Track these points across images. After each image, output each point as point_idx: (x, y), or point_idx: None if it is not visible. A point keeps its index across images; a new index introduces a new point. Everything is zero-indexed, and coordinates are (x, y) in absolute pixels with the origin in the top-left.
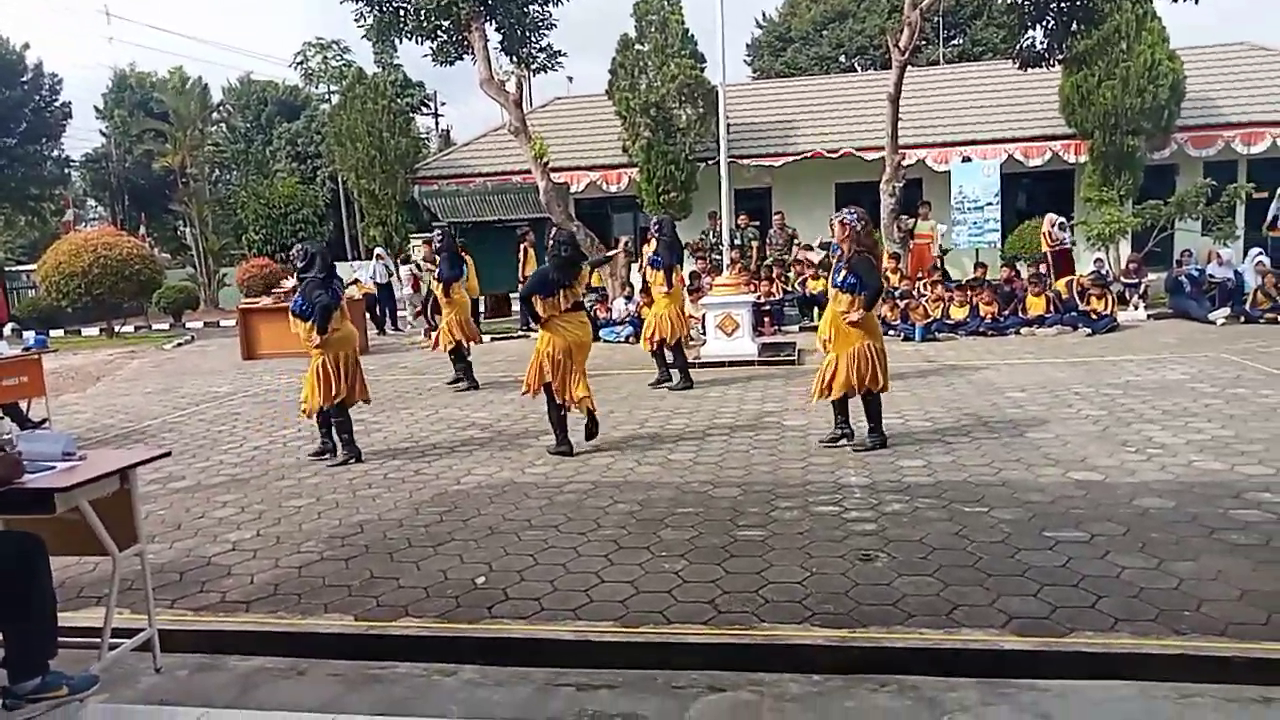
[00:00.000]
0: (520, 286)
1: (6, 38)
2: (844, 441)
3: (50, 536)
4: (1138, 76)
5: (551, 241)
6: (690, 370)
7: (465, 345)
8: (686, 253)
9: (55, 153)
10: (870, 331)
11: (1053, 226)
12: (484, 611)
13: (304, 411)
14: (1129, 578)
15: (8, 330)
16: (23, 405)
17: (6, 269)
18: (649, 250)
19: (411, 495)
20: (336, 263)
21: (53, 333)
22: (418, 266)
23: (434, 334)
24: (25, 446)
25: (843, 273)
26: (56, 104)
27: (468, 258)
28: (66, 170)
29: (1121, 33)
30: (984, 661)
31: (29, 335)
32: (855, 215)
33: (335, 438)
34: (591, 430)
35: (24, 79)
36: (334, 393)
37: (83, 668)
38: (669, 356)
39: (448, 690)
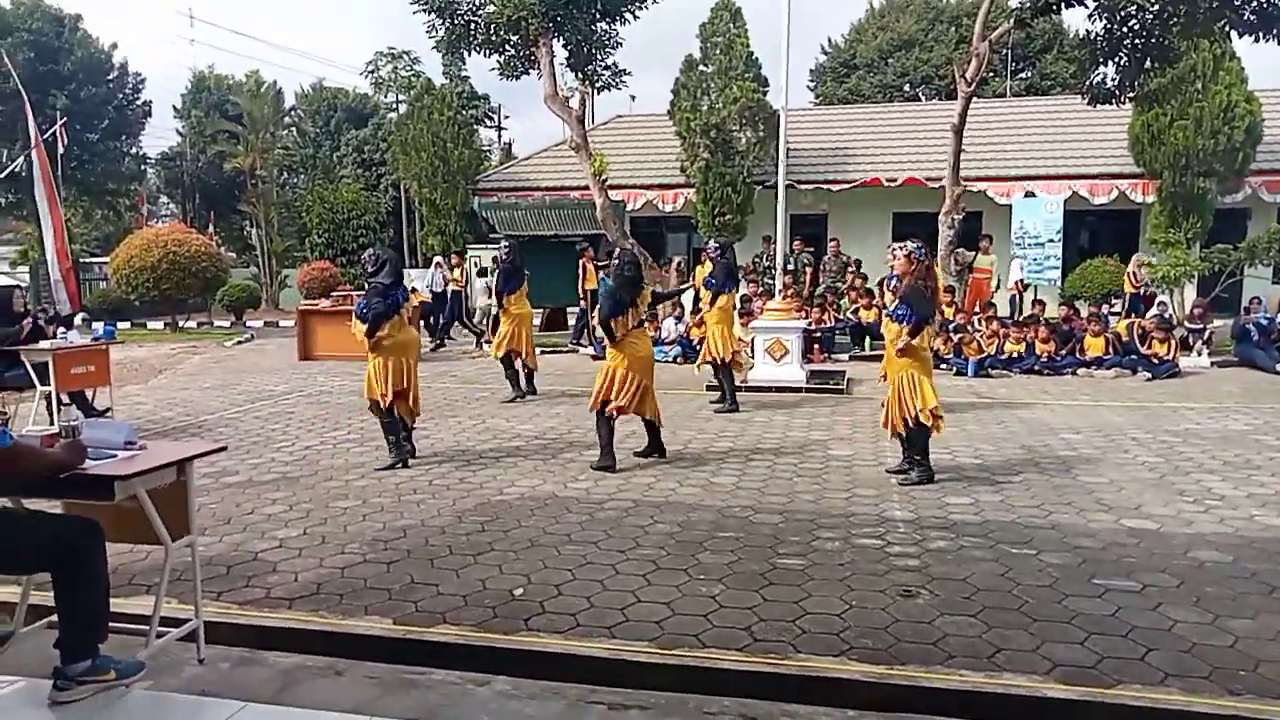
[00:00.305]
0: (580, 301)
1: (96, 37)
2: (924, 483)
3: (107, 523)
4: (1212, 117)
5: (616, 261)
6: (737, 394)
7: (514, 356)
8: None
9: (134, 150)
10: (917, 363)
11: (1138, 267)
12: (520, 623)
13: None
14: (1181, 631)
15: (78, 320)
16: (89, 393)
17: (80, 260)
18: (703, 271)
19: (455, 503)
20: None
21: (120, 324)
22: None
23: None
24: (89, 433)
25: (897, 302)
26: (138, 103)
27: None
28: (143, 167)
29: (1198, 72)
30: (1026, 708)
31: (98, 326)
32: (921, 250)
33: (390, 438)
34: (657, 448)
35: (109, 77)
36: (376, 393)
37: (131, 654)
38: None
39: (480, 700)
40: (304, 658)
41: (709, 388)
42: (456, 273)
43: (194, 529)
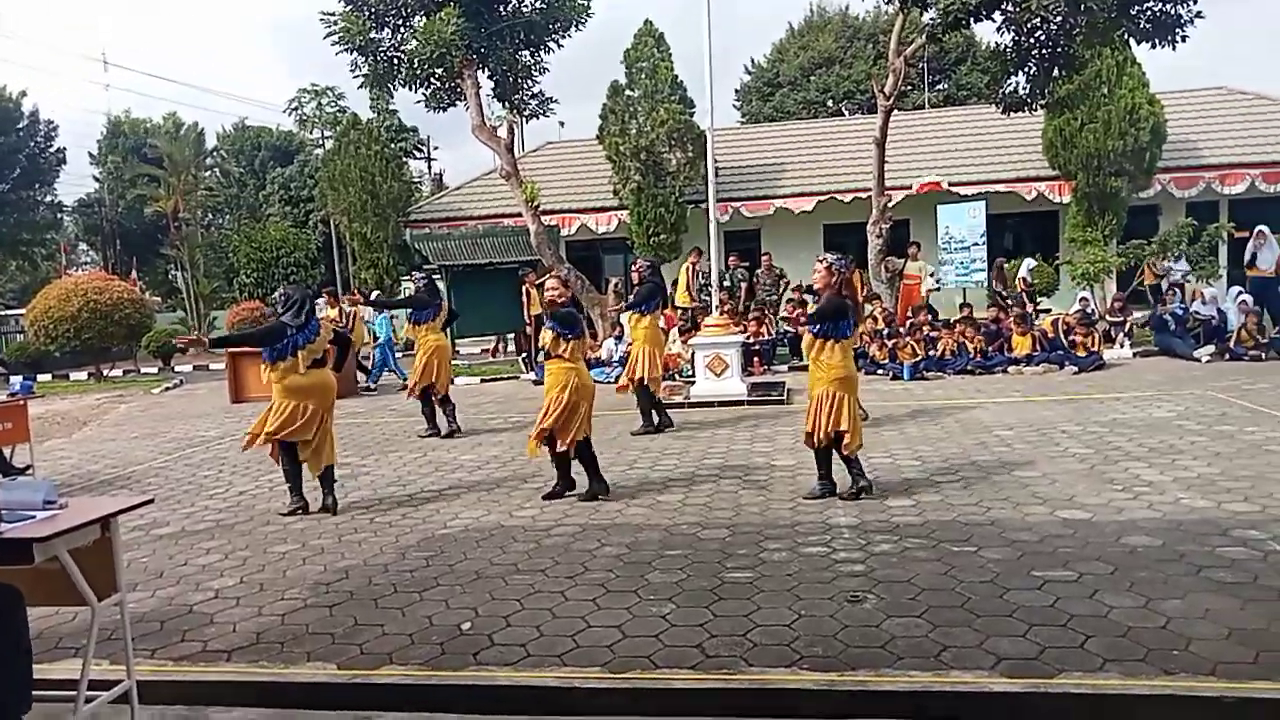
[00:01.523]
0: (527, 326)
1: (3, 85)
2: (826, 496)
3: (28, 586)
4: (1119, 120)
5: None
6: (669, 412)
7: (431, 391)
8: (674, 292)
9: (48, 198)
10: (841, 378)
11: (1028, 272)
12: (470, 658)
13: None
14: (1117, 617)
15: None
16: (6, 451)
17: None
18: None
19: (398, 540)
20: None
21: (40, 377)
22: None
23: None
24: (4, 496)
25: (812, 316)
26: (51, 150)
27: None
28: (59, 215)
29: (1102, 77)
30: (974, 703)
31: (15, 380)
32: (844, 261)
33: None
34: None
35: (20, 125)
36: (255, 428)
37: None
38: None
39: None
40: (247, 711)
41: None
42: (332, 311)
43: (122, 586)
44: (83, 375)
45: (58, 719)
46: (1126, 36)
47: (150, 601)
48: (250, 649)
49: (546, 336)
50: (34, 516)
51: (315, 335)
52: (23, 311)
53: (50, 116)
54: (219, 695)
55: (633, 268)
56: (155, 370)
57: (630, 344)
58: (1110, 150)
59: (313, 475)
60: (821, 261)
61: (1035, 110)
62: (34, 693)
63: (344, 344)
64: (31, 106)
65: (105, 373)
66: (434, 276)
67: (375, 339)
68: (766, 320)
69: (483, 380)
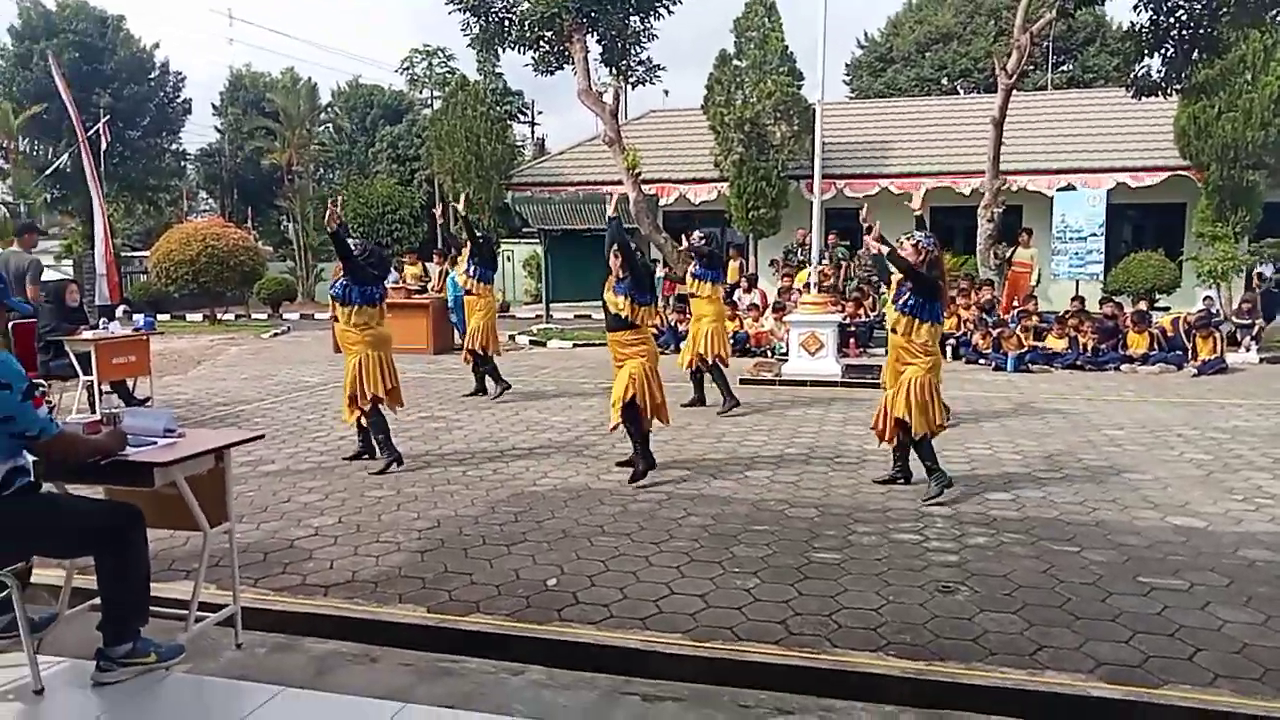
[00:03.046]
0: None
1: (139, 37)
2: (901, 481)
3: (147, 509)
4: (1262, 109)
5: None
6: (732, 392)
7: (484, 353)
8: (773, 268)
9: (174, 146)
10: (930, 366)
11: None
12: (553, 613)
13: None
14: (1231, 632)
15: (119, 312)
16: (129, 383)
17: (122, 254)
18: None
19: (488, 494)
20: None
21: (160, 316)
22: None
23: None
24: (130, 421)
25: (906, 295)
26: (178, 100)
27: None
28: (183, 163)
29: (1247, 63)
30: (1070, 707)
31: (139, 317)
32: (931, 240)
33: (378, 436)
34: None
35: (151, 76)
36: (351, 391)
37: (171, 637)
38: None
39: (514, 689)
40: (339, 644)
41: (743, 382)
42: (415, 269)
43: (232, 516)
44: (198, 317)
45: (170, 634)
46: (1279, 17)
47: (255, 534)
48: (345, 586)
49: (619, 302)
50: (155, 444)
51: (385, 292)
52: (147, 253)
53: (179, 68)
54: (315, 627)
55: (687, 239)
56: (265, 316)
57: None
58: (1249, 141)
59: (384, 411)
60: (909, 238)
61: (1170, 95)
62: (151, 608)
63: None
64: (163, 58)
65: (219, 316)
66: (491, 238)
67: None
68: (865, 301)
69: (575, 345)
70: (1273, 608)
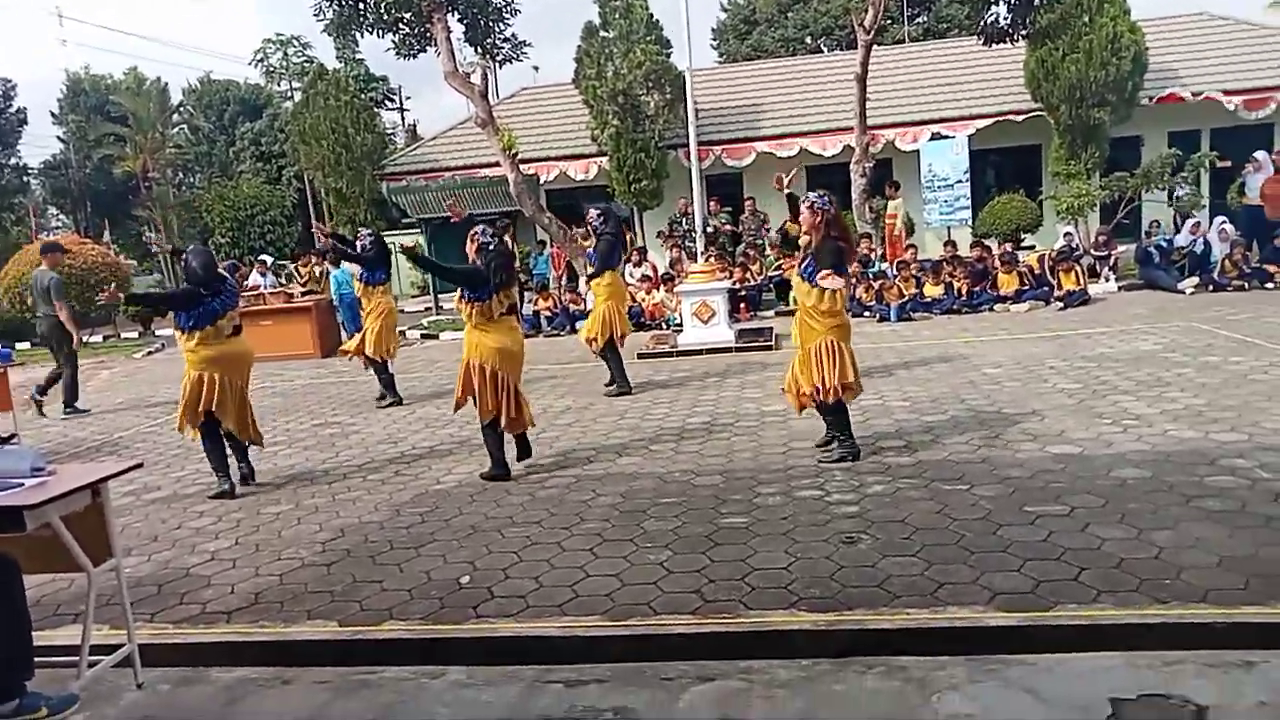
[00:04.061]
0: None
1: None
2: (850, 460)
3: (23, 555)
4: (1100, 49)
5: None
6: (626, 370)
7: (382, 360)
8: (660, 240)
9: (12, 160)
10: (838, 327)
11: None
12: (469, 611)
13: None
14: (1110, 549)
15: None
16: None
17: None
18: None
19: (392, 497)
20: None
21: (18, 345)
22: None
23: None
24: None
25: (809, 261)
26: (11, 110)
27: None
28: (25, 178)
29: (1084, 6)
30: (971, 639)
31: None
32: (825, 199)
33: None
34: (525, 450)
35: None
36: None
37: (63, 687)
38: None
39: (436, 692)
40: (248, 670)
41: (640, 356)
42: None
43: (117, 551)
44: None
45: (63, 683)
46: None
47: (146, 566)
48: (250, 609)
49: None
50: (22, 484)
51: (233, 303)
52: None
53: (6, 75)
54: (220, 656)
55: (586, 217)
56: (136, 335)
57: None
58: (1093, 81)
59: (246, 444)
60: (803, 202)
61: (1016, 41)
62: (37, 658)
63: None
64: None
65: (85, 339)
66: (381, 234)
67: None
68: (752, 265)
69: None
70: (1144, 521)
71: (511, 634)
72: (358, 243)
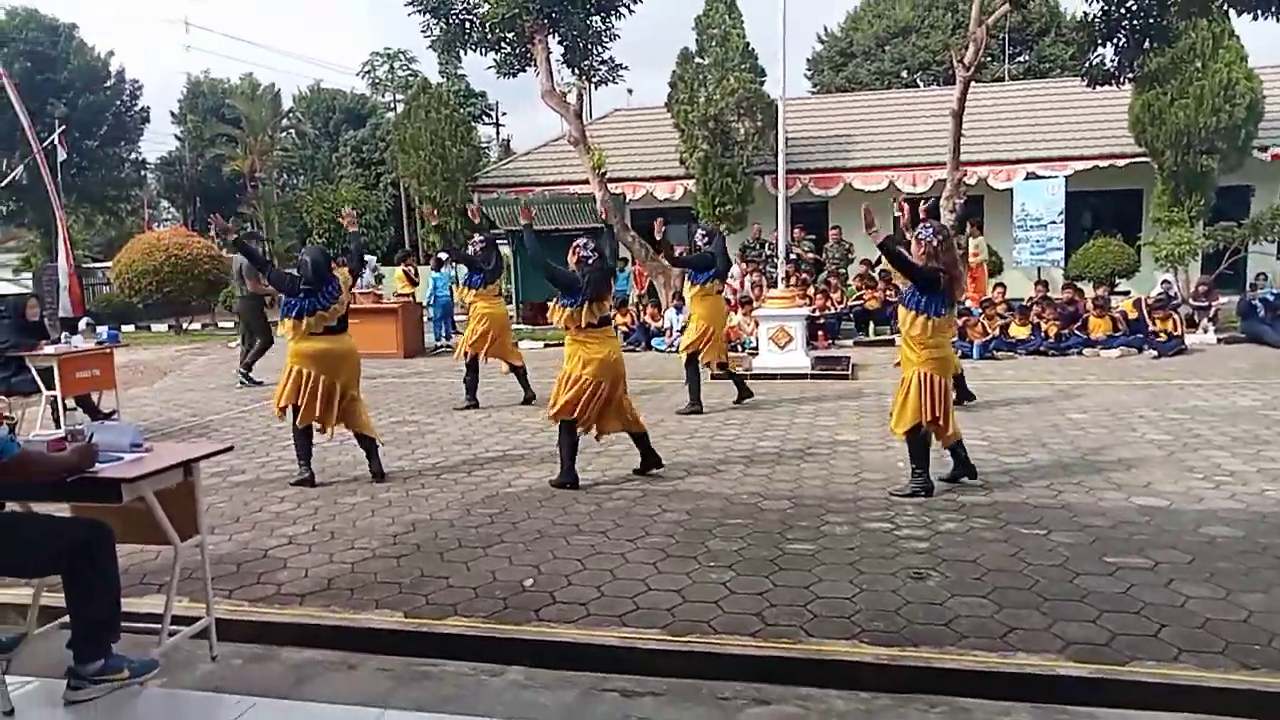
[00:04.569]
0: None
1: (92, 45)
2: (918, 495)
3: (116, 524)
4: (1213, 95)
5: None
6: (745, 384)
7: (479, 359)
8: (738, 263)
9: (133, 155)
10: (934, 359)
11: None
12: (531, 614)
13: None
14: (1194, 608)
15: (82, 324)
16: (94, 397)
17: (83, 266)
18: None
19: (463, 496)
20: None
21: (124, 328)
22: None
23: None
24: (96, 437)
25: (912, 289)
26: (136, 109)
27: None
28: (142, 173)
29: (1197, 50)
30: (1039, 686)
31: (102, 330)
32: (932, 231)
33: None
34: (651, 461)
35: (107, 84)
36: (275, 402)
37: (144, 652)
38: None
39: (494, 690)
40: (316, 652)
41: (713, 377)
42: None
43: (203, 528)
44: (163, 327)
45: (143, 648)
46: (1226, 7)
47: (228, 545)
48: (321, 594)
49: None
50: (121, 459)
51: (328, 303)
52: (109, 265)
53: (134, 76)
54: (291, 636)
55: (694, 238)
56: (232, 325)
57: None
58: (1202, 127)
59: (327, 437)
60: (913, 238)
61: (1123, 84)
62: (121, 624)
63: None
64: (118, 66)
65: (184, 325)
66: (497, 239)
67: (435, 299)
68: (833, 294)
69: (546, 345)
70: (1233, 582)
71: (571, 640)
72: (471, 248)
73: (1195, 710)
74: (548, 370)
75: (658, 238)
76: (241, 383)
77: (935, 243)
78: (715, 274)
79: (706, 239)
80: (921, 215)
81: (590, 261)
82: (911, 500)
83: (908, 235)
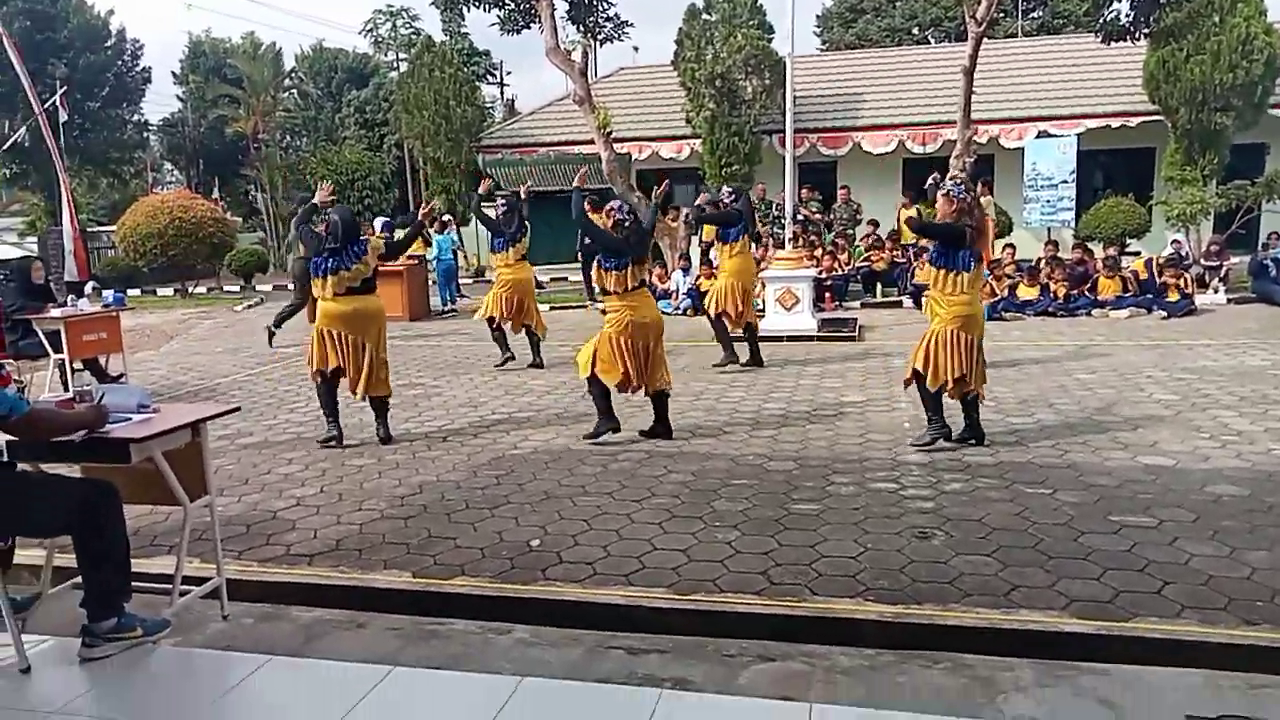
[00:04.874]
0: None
1: (92, 4)
2: (941, 441)
3: (125, 485)
4: (1230, 51)
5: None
6: (759, 347)
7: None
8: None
9: (135, 117)
10: (961, 316)
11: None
12: (538, 574)
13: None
14: (1198, 565)
15: (88, 288)
16: (101, 360)
17: (88, 229)
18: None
19: (470, 458)
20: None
21: (130, 291)
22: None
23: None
24: (104, 399)
25: (938, 246)
26: (137, 69)
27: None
28: (145, 134)
29: (1215, 5)
30: (1043, 643)
31: (108, 294)
32: (961, 188)
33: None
34: (664, 429)
35: (107, 44)
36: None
37: (156, 612)
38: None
39: (501, 648)
40: (325, 612)
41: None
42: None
43: (211, 489)
44: (169, 291)
45: (155, 609)
46: None
47: (236, 506)
48: (330, 554)
49: (594, 268)
50: (130, 419)
51: (352, 263)
52: (113, 228)
53: (135, 36)
54: (301, 596)
55: (720, 196)
56: (238, 289)
57: (705, 274)
58: (1218, 84)
59: (357, 399)
60: (940, 189)
61: (1138, 39)
62: (132, 584)
63: (394, 253)
64: (118, 25)
65: (190, 289)
66: (517, 202)
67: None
68: (841, 255)
69: (552, 308)
70: (1237, 540)
71: (577, 599)
72: (492, 210)
73: (1197, 665)
74: (556, 334)
75: (655, 199)
76: (270, 332)
77: (969, 199)
78: (744, 230)
79: (733, 196)
80: (927, 188)
81: (627, 224)
82: (916, 458)
83: (903, 214)
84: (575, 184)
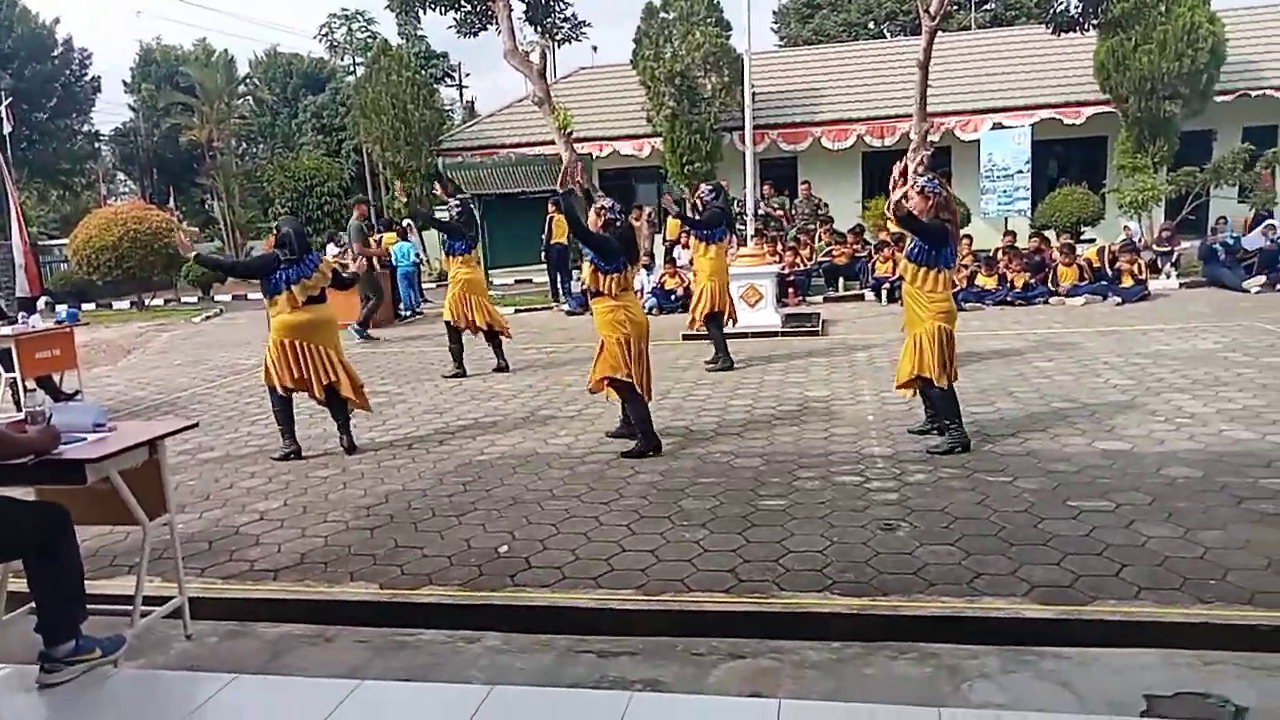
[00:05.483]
0: (542, 257)
1: (36, 13)
2: (936, 433)
3: (83, 506)
4: (1175, 40)
5: (602, 209)
6: (728, 348)
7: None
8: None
9: (85, 127)
10: (945, 313)
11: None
12: (507, 580)
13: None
14: (1154, 547)
15: (41, 304)
16: (55, 378)
17: (39, 243)
18: (674, 225)
19: (435, 465)
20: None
21: (84, 306)
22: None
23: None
24: (57, 418)
25: (913, 242)
26: (86, 79)
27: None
28: (96, 145)
29: None
30: (1005, 629)
31: (61, 309)
32: (935, 183)
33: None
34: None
35: (54, 54)
36: (271, 379)
37: (117, 634)
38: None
39: (471, 656)
40: (292, 627)
41: (685, 338)
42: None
43: (171, 507)
44: (125, 304)
45: (115, 631)
46: None
47: (198, 523)
48: (295, 569)
49: (586, 271)
50: (85, 439)
51: (311, 271)
52: (65, 241)
53: (83, 45)
54: (266, 611)
55: (696, 193)
56: (195, 299)
57: (669, 273)
58: (1165, 72)
59: (348, 411)
60: (913, 188)
61: (1087, 30)
62: (91, 606)
63: (344, 285)
64: (65, 34)
65: (146, 302)
66: (470, 204)
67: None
68: (803, 250)
69: (516, 310)
70: (1191, 521)
71: (547, 604)
72: (445, 212)
73: (1154, 645)
74: (521, 337)
75: (666, 208)
76: (361, 338)
77: (944, 194)
78: (727, 230)
79: (713, 194)
80: (898, 176)
81: (618, 225)
82: (881, 450)
83: (893, 195)
84: (558, 187)
